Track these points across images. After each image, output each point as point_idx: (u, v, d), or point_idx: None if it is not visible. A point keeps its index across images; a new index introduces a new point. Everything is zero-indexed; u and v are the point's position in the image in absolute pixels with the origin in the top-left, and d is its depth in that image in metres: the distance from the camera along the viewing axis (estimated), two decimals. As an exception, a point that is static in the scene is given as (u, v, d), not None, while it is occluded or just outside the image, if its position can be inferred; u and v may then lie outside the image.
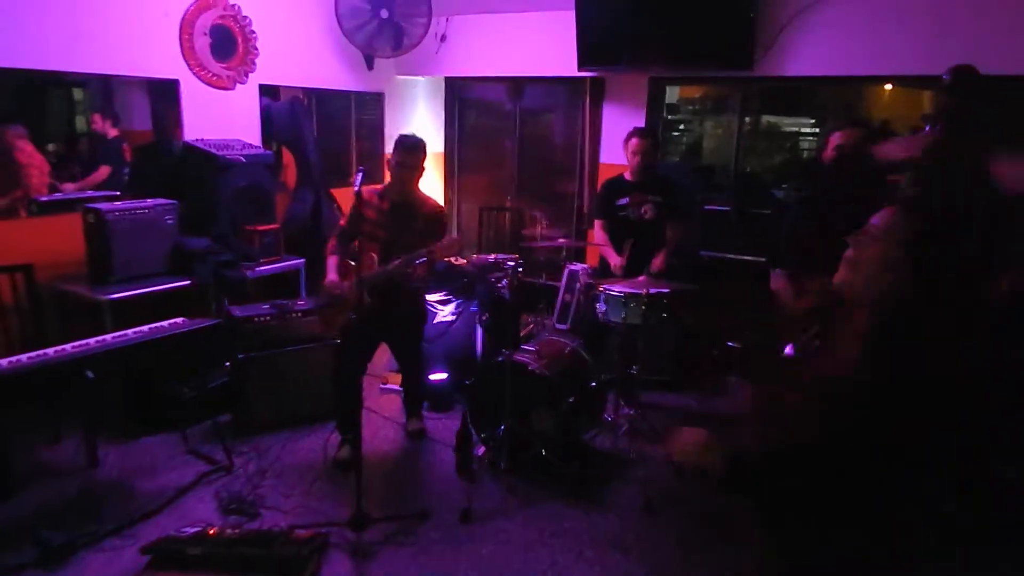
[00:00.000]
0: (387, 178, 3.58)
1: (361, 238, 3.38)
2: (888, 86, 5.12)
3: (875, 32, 4.41)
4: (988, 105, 2.89)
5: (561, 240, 5.46)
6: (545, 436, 3.41)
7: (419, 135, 3.53)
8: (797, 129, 5.93)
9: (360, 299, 3.04)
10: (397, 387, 4.26)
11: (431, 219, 3.49)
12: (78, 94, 4.99)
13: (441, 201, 6.79)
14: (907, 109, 5.14)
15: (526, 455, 3.40)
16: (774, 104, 5.77)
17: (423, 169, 3.49)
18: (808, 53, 4.65)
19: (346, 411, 3.52)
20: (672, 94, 5.92)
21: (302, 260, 4.81)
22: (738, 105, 5.46)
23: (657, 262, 4.00)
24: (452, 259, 4.34)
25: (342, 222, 3.71)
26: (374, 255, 3.40)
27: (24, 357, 2.92)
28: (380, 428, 3.99)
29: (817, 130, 5.68)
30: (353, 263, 3.44)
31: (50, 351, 2.99)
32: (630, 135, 4.19)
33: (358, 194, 3.28)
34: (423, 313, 3.88)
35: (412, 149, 3.41)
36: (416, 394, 3.99)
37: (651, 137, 4.20)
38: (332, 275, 3.48)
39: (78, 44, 4.01)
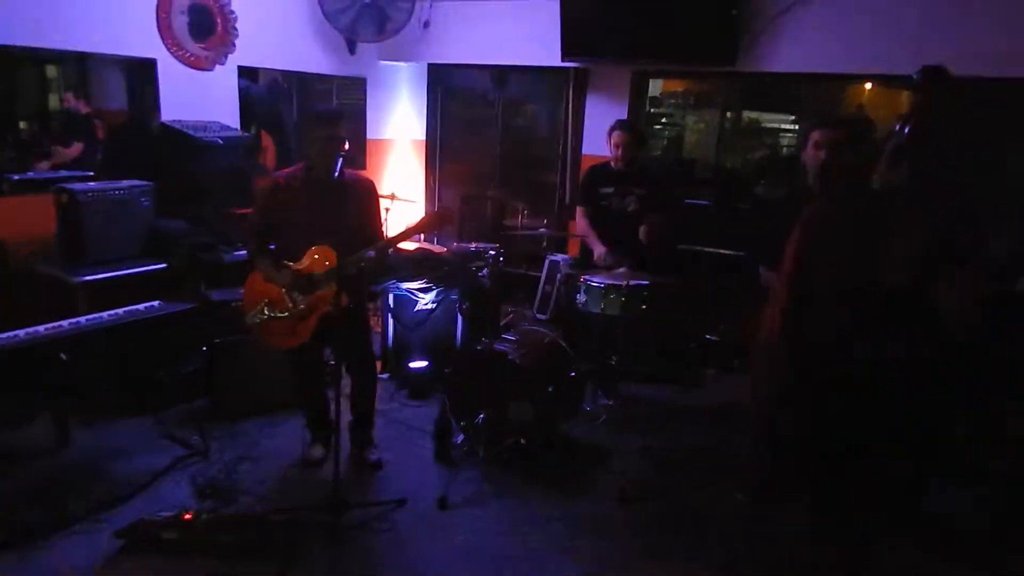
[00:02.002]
0: (310, 159, 3.11)
1: (287, 231, 3.08)
2: (868, 84, 5.19)
3: (856, 31, 4.46)
4: (957, 105, 2.94)
5: (543, 229, 5.47)
6: (524, 425, 3.42)
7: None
8: (777, 125, 5.99)
9: (339, 297, 2.81)
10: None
11: (367, 194, 3.24)
12: (51, 71, 4.88)
13: (422, 189, 6.78)
14: (887, 108, 5.22)
15: (504, 444, 3.41)
16: (755, 100, 5.82)
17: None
18: (790, 50, 4.69)
19: (312, 413, 3.49)
20: (655, 87, 5.94)
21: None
22: (720, 100, 5.50)
23: (643, 230, 3.97)
24: (431, 245, 4.27)
25: (254, 221, 3.20)
26: (325, 247, 3.01)
27: (-5, 338, 2.87)
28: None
29: (797, 127, 5.74)
30: (295, 262, 3.06)
31: (22, 332, 2.94)
32: (612, 127, 4.19)
33: (274, 184, 3.09)
34: (366, 309, 3.50)
35: (338, 121, 3.13)
36: (369, 417, 3.52)
37: (633, 130, 4.21)
38: (277, 283, 3.06)
39: (52, 20, 3.92)
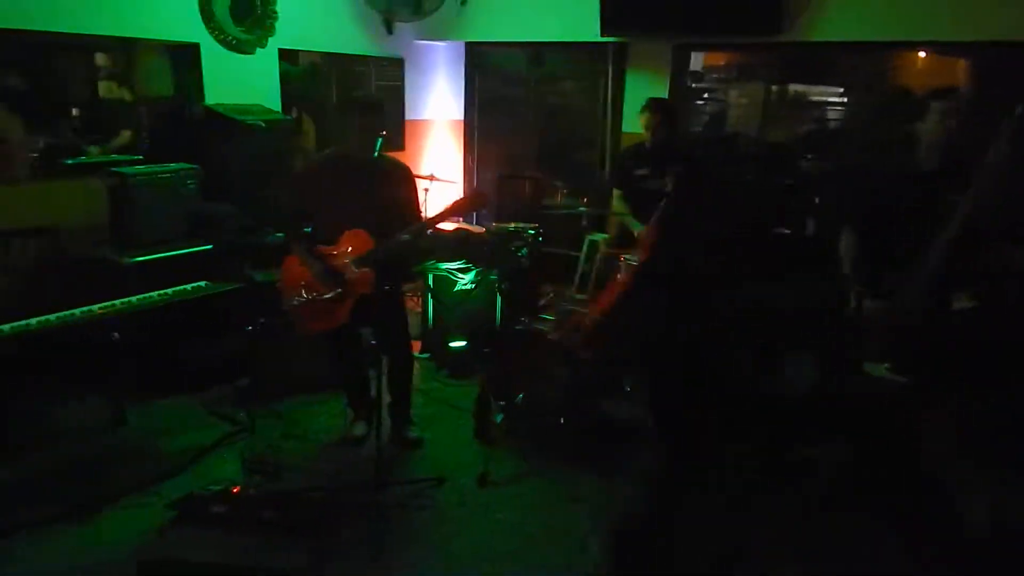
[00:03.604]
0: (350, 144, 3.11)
1: (323, 214, 3.11)
2: (922, 53, 4.96)
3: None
4: None
5: (582, 208, 5.41)
6: (563, 404, 3.41)
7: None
8: (824, 99, 5.79)
9: (374, 280, 2.87)
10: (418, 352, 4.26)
11: (402, 177, 3.24)
12: (100, 59, 5.00)
13: (460, 170, 6.77)
14: (941, 79, 4.99)
15: (544, 422, 3.41)
16: (801, 72, 5.62)
17: None
18: (839, 16, 4.48)
19: (353, 392, 3.54)
20: (697, 61, 5.79)
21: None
22: (764, 73, 5.33)
23: None
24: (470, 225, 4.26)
25: (289, 205, 3.26)
26: (361, 231, 3.03)
27: (52, 317, 2.97)
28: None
29: (845, 99, 5.54)
30: (331, 246, 3.10)
31: (76, 312, 3.04)
32: (642, 108, 4.10)
33: (309, 168, 3.13)
34: (402, 291, 3.52)
35: (377, 109, 3.15)
36: (407, 396, 3.53)
37: (662, 111, 4.08)
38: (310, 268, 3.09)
39: (98, 7, 3.99)
